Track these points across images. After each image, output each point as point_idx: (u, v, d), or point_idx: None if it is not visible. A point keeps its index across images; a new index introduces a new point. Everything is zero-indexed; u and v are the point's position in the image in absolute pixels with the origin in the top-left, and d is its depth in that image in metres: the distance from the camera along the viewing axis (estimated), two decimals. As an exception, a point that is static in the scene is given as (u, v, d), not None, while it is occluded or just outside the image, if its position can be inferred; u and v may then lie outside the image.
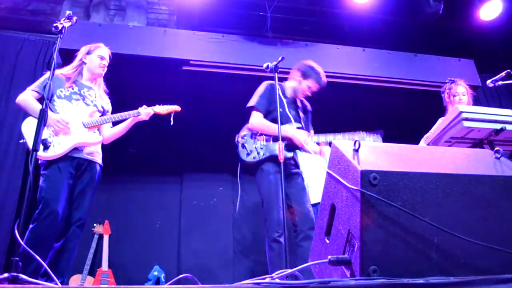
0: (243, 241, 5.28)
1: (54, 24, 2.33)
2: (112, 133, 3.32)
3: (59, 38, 2.38)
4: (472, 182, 1.49)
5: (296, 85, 3.60)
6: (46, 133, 2.92)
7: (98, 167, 3.14)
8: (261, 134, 3.38)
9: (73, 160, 2.97)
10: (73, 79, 3.18)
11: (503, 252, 1.45)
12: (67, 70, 3.23)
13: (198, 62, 4.62)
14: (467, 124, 2.66)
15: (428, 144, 3.12)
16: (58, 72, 3.16)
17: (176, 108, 3.50)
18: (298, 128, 3.43)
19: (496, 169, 1.59)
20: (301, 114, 3.62)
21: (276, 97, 3.12)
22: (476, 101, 5.50)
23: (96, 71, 3.27)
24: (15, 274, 1.70)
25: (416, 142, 3.69)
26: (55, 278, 1.79)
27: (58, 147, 2.90)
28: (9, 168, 4.12)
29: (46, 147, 2.88)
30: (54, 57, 2.27)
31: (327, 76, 4.90)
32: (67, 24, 2.43)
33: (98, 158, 3.15)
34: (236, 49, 4.74)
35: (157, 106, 3.41)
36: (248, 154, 3.36)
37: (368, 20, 5.39)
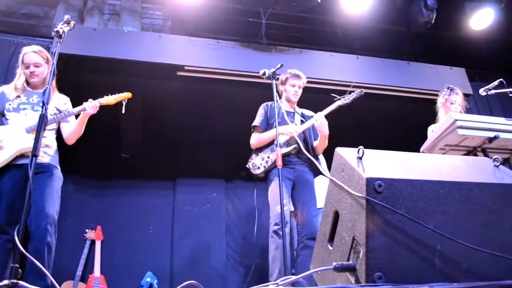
0: (236, 247, 5.27)
1: (55, 29, 2.32)
2: (69, 131, 3.21)
3: (58, 43, 2.37)
4: (473, 190, 1.52)
5: (285, 95, 3.84)
6: None
7: (51, 168, 3.04)
8: (264, 151, 3.66)
9: (19, 167, 2.93)
10: (21, 88, 3.12)
11: (504, 258, 1.47)
12: (15, 82, 3.17)
13: (193, 67, 4.62)
14: (461, 132, 2.70)
15: (422, 151, 3.15)
16: (5, 87, 3.15)
17: (127, 95, 3.39)
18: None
19: (496, 177, 1.62)
20: (300, 120, 3.79)
21: (274, 112, 3.43)
22: (467, 109, 5.58)
23: (30, 80, 3.17)
24: (15, 281, 1.69)
25: (408, 149, 3.72)
26: (55, 283, 1.77)
27: None
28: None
29: None
30: (54, 62, 2.26)
31: (321, 83, 4.98)
32: (66, 28, 2.43)
33: (49, 159, 3.05)
34: (231, 55, 4.76)
35: (105, 97, 3.28)
36: (258, 168, 3.63)
37: (362, 28, 5.46)
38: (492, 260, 1.47)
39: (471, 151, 2.88)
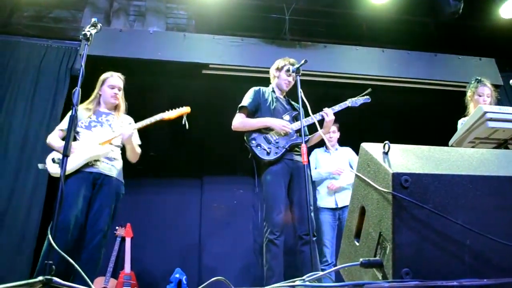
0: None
1: (83, 32, 2.38)
2: (127, 155, 3.45)
3: (86, 45, 2.43)
4: (504, 184, 1.48)
5: (277, 81, 3.73)
6: (57, 154, 3.17)
7: (115, 181, 3.26)
8: (269, 134, 3.47)
9: (89, 175, 3.15)
10: (93, 110, 3.36)
11: (537, 254, 1.43)
12: (87, 103, 3.40)
13: (218, 65, 4.67)
14: (492, 124, 2.63)
15: (451, 145, 3.08)
16: (79, 107, 3.28)
17: (187, 110, 3.52)
18: (288, 120, 3.56)
19: (527, 171, 1.57)
20: (288, 108, 3.69)
21: (266, 99, 3.54)
22: (497, 100, 5.44)
23: (110, 101, 3.42)
24: (49, 277, 1.75)
25: (437, 143, 3.65)
26: (88, 281, 1.82)
27: (69, 164, 2.96)
28: (35, 172, 4.20)
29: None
30: (82, 64, 2.32)
31: (347, 78, 4.94)
32: (93, 31, 2.49)
33: (114, 173, 3.27)
34: (255, 52, 4.77)
35: (166, 112, 3.45)
36: (268, 154, 3.39)
37: (387, 20, 5.37)
38: (524, 255, 1.44)
39: (502, 144, 2.80)
